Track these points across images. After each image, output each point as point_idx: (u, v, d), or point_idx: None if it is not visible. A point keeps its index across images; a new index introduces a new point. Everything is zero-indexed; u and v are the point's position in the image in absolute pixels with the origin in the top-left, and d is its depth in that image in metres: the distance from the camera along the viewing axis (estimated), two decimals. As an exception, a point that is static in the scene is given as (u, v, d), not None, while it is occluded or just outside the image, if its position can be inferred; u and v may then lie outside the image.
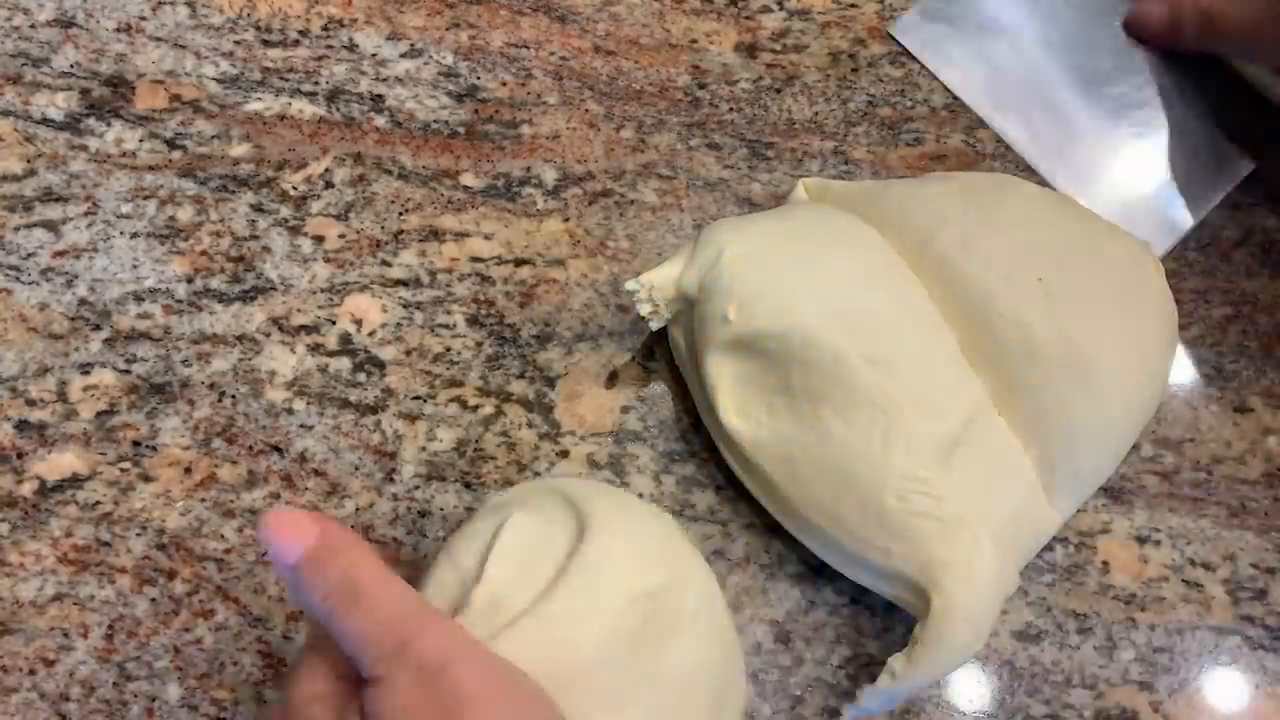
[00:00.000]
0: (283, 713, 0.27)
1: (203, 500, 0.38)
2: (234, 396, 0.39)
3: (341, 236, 0.42)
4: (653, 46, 0.46)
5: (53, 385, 0.39)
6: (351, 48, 0.45)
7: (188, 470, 0.38)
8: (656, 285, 0.37)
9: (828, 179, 0.43)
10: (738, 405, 0.36)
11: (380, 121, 0.44)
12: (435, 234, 0.42)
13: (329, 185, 0.43)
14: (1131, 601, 0.38)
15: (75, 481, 0.38)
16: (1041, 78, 0.45)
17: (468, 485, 0.38)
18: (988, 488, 0.34)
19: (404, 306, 0.41)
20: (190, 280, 0.41)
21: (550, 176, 0.43)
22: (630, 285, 0.37)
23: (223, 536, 0.37)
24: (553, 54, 0.46)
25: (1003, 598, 0.33)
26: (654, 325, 0.38)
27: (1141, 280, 0.37)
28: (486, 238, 0.42)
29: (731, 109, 0.45)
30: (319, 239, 0.42)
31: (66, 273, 0.41)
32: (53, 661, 0.36)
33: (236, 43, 0.45)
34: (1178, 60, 0.45)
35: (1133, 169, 0.44)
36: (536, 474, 0.39)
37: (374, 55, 0.45)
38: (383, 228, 0.42)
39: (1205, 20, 0.42)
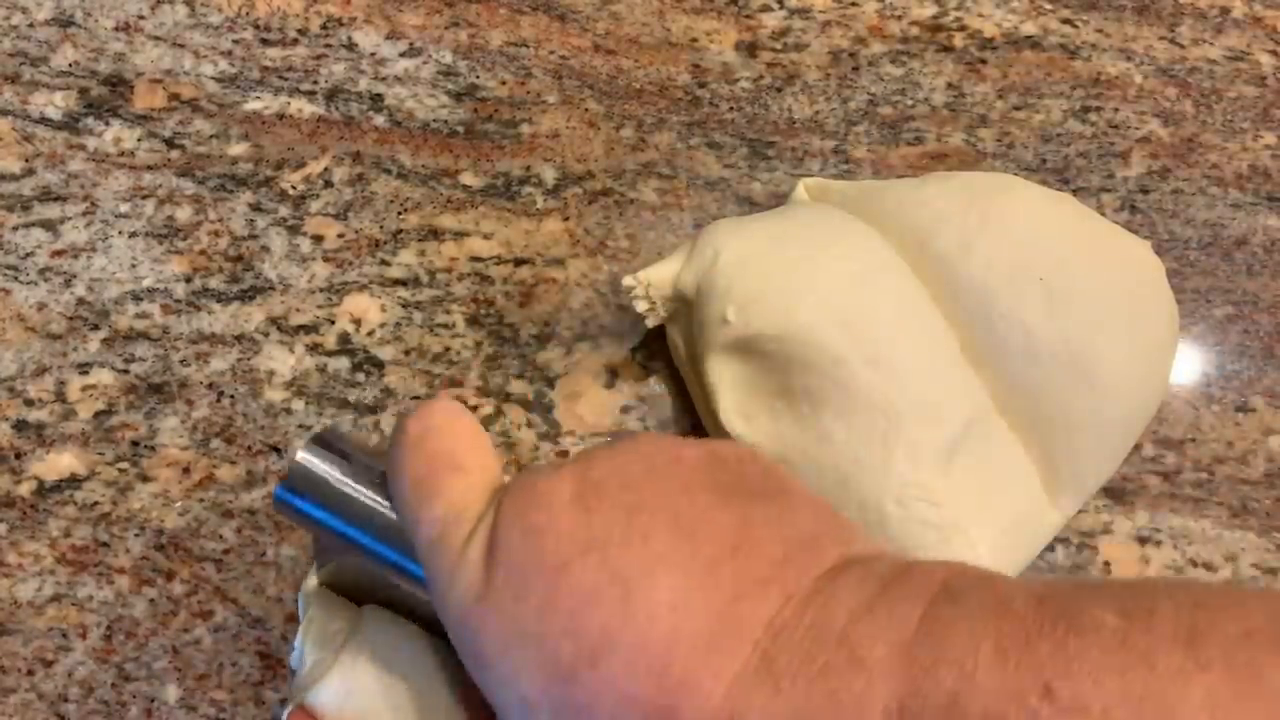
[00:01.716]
0: None
1: (201, 500, 0.38)
2: (232, 396, 0.39)
3: (340, 236, 0.42)
4: (653, 45, 0.46)
5: (51, 385, 0.39)
6: (350, 46, 0.45)
7: (186, 470, 0.38)
8: (654, 283, 0.37)
9: (828, 179, 0.42)
10: (739, 408, 0.36)
11: (379, 120, 0.44)
12: (434, 233, 0.42)
13: (328, 184, 0.43)
14: (1132, 602, 0.38)
15: (73, 481, 0.38)
16: None
17: (467, 485, 0.38)
18: (989, 489, 0.34)
19: (403, 306, 0.41)
20: (189, 280, 0.41)
21: (550, 176, 0.43)
22: (627, 281, 0.37)
23: (221, 537, 0.37)
24: (552, 53, 0.46)
25: None
26: (650, 323, 0.38)
27: (1143, 280, 0.37)
28: (486, 237, 0.42)
29: (732, 108, 0.45)
30: (318, 238, 0.42)
31: (65, 272, 0.41)
32: (51, 662, 0.35)
33: (235, 42, 0.45)
34: None
35: None
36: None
37: (373, 54, 0.45)
38: (382, 227, 0.42)
39: None
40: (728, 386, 0.36)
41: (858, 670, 0.18)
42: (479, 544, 0.22)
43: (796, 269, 0.36)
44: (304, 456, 0.26)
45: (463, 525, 0.22)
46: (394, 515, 0.25)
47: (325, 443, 0.26)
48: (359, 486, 0.25)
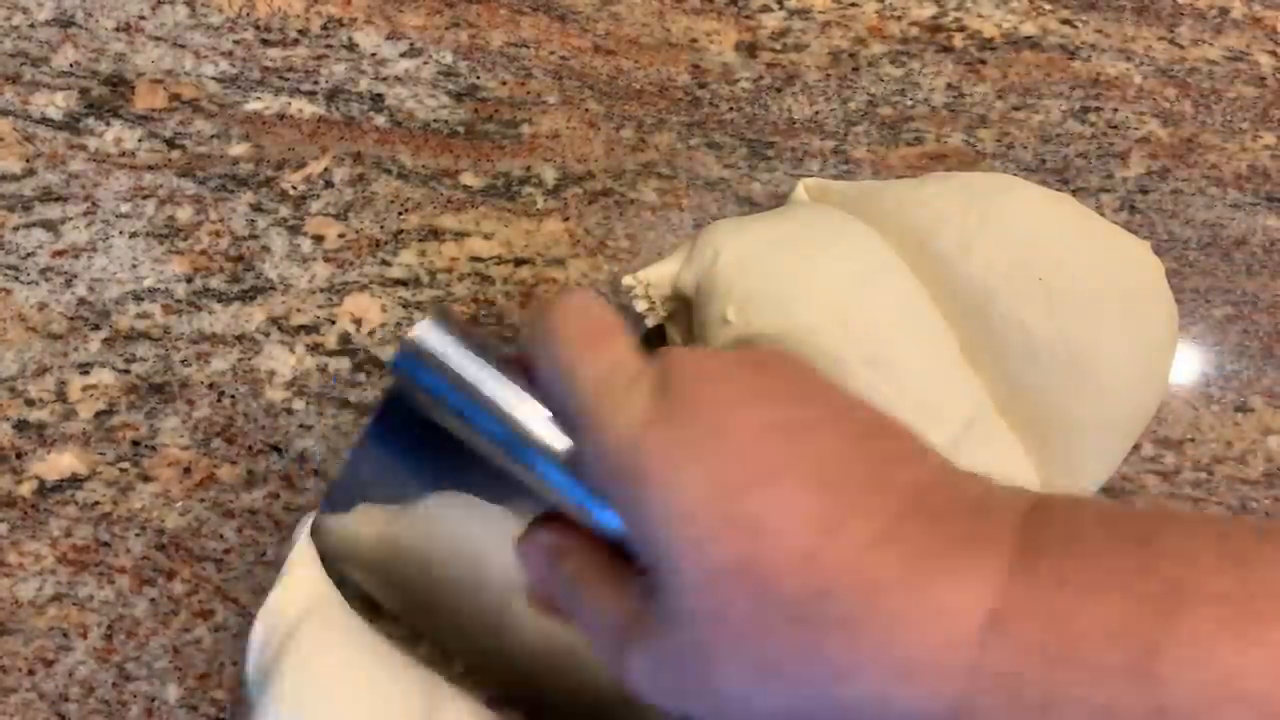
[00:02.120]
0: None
1: (202, 500, 0.38)
2: (233, 396, 0.39)
3: (341, 236, 0.42)
4: (653, 46, 0.46)
5: (52, 385, 0.39)
6: (351, 47, 0.45)
7: (187, 470, 0.38)
8: (653, 283, 0.37)
9: (828, 179, 0.43)
10: None
11: (380, 121, 0.44)
12: (435, 233, 0.42)
13: (328, 185, 0.43)
14: (1132, 602, 0.38)
15: (74, 481, 0.38)
16: None
17: (467, 485, 0.38)
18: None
19: (404, 306, 0.41)
20: (189, 280, 0.41)
21: (550, 176, 0.43)
22: (627, 281, 0.37)
23: (222, 536, 0.37)
24: (552, 53, 0.46)
25: None
26: (650, 322, 0.38)
27: (1142, 280, 0.37)
28: (486, 237, 0.42)
29: (731, 108, 0.45)
30: (318, 238, 0.42)
31: (65, 272, 0.41)
32: (52, 662, 0.36)
33: (236, 42, 0.45)
34: None
35: None
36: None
37: (373, 54, 0.45)
38: (382, 227, 0.42)
39: None
40: None
41: (989, 518, 0.21)
42: (648, 381, 0.24)
43: (796, 269, 0.36)
44: (425, 329, 0.27)
45: (627, 369, 0.24)
46: (509, 396, 0.26)
47: (444, 321, 0.27)
48: (478, 361, 0.27)
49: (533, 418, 0.26)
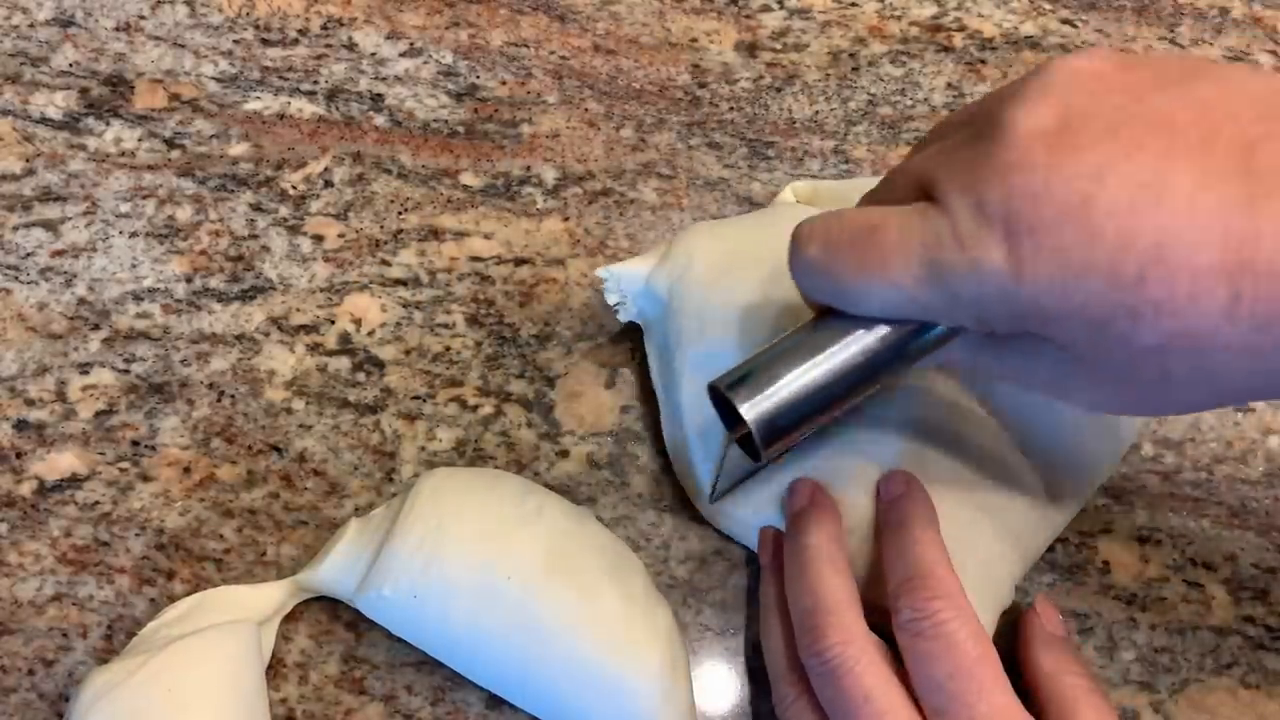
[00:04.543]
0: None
1: (202, 500, 0.38)
2: (233, 396, 0.39)
3: (341, 236, 0.42)
4: (652, 45, 0.46)
5: (51, 385, 0.39)
6: (351, 47, 0.45)
7: (187, 470, 0.38)
8: (624, 277, 0.37)
9: (820, 180, 0.42)
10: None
11: (380, 121, 0.44)
12: (435, 233, 0.42)
13: (328, 184, 0.43)
14: (1132, 601, 0.38)
15: (74, 481, 0.38)
16: None
17: (467, 485, 0.38)
18: (988, 491, 0.34)
19: (403, 306, 0.41)
20: (189, 280, 0.41)
21: (550, 176, 0.43)
22: (600, 273, 0.38)
23: (222, 536, 0.37)
24: (552, 53, 0.46)
25: (997, 612, 0.33)
26: (622, 317, 0.38)
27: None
28: (486, 237, 0.42)
29: (731, 108, 0.45)
30: (318, 238, 0.42)
31: (65, 272, 0.41)
32: (52, 662, 0.36)
33: (235, 42, 0.45)
34: None
35: None
36: (536, 474, 0.39)
37: (373, 54, 0.45)
38: (382, 227, 0.42)
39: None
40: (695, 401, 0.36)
41: None
42: (984, 228, 0.24)
43: (773, 282, 0.35)
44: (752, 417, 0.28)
45: (948, 240, 0.25)
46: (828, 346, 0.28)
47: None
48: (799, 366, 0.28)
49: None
